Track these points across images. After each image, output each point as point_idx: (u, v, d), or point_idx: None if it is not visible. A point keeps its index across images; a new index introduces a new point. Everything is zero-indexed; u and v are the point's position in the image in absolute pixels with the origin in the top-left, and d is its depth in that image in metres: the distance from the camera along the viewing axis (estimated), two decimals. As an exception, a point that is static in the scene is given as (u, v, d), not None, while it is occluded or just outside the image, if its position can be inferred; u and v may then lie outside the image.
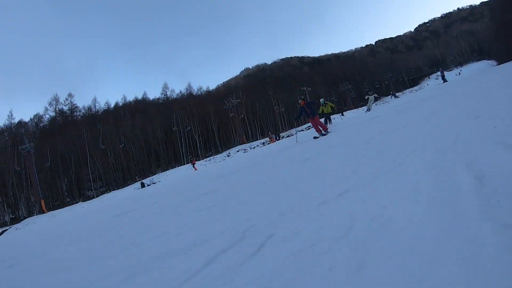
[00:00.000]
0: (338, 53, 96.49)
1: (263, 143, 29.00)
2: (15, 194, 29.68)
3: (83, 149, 32.31)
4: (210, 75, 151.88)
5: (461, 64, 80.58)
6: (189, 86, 59.88)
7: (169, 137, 38.76)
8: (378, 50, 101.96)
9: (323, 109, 12.75)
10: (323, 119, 12.39)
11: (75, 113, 47.36)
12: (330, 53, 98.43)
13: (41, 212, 24.90)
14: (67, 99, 46.64)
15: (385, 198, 1.73)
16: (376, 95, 15.72)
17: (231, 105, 39.85)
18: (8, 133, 37.89)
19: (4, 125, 39.65)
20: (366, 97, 16.06)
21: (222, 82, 70.28)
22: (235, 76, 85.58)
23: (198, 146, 39.30)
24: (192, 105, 40.38)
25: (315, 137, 8.06)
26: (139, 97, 54.13)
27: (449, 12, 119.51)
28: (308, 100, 9.60)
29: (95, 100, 57.64)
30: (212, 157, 30.55)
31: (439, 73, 70.43)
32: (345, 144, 4.86)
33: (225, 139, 42.23)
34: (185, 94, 53.35)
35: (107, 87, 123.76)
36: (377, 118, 7.94)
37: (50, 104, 45.15)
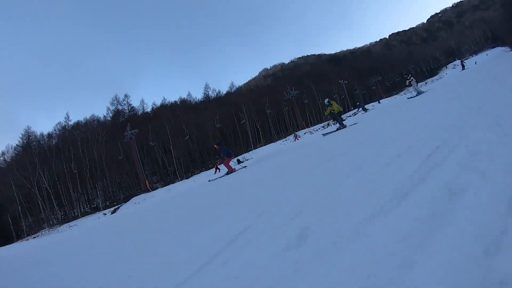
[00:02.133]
0: (353, 49, 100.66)
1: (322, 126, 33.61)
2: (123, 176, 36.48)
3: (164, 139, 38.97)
4: (228, 77, 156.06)
5: (476, 52, 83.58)
6: (232, 85, 66.84)
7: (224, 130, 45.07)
8: (393, 44, 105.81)
9: (330, 110, 11.70)
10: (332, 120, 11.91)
11: (131, 112, 54.08)
12: (345, 49, 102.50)
13: (146, 191, 31.02)
14: (123, 100, 53.61)
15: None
16: (414, 78, 15.00)
17: (291, 96, 45.27)
18: (85, 128, 44.95)
19: (77, 120, 47.19)
20: (407, 83, 15.11)
21: (242, 84, 75.27)
22: (254, 77, 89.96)
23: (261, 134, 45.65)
24: (245, 100, 46.69)
25: (228, 173, 9.77)
26: (176, 98, 60.75)
27: (460, 1, 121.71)
28: (222, 144, 10.37)
29: (142, 101, 64.35)
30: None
31: (455, 62, 74.29)
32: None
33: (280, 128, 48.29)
34: (223, 93, 59.88)
35: (146, 90, 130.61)
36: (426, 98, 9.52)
37: (111, 103, 52.18)
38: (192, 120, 43.69)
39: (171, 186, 31.00)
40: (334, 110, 11.46)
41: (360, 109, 30.16)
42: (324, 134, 11.93)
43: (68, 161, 39.25)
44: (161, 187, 32.67)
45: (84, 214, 35.25)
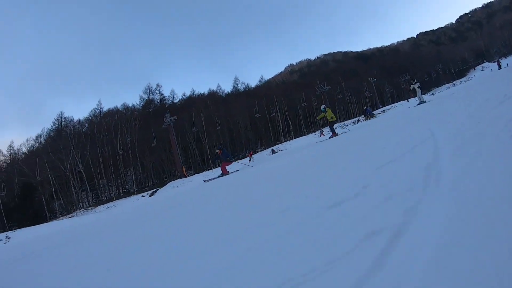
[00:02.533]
0: (380, 47, 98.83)
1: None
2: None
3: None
4: (253, 72, 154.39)
5: (505, 55, 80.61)
6: (262, 78, 67.21)
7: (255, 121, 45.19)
8: (421, 43, 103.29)
9: (323, 115, 11.51)
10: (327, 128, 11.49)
11: (162, 101, 54.88)
12: (372, 47, 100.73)
13: (182, 176, 31.39)
14: (156, 89, 54.39)
15: None
16: (419, 84, 13.63)
17: (322, 91, 44.76)
18: (118, 116, 45.86)
19: (108, 109, 48.22)
20: (411, 87, 13.83)
21: (268, 78, 74.93)
22: (280, 73, 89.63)
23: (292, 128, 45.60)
24: (275, 93, 46.61)
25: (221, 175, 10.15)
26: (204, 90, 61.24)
27: (491, 2, 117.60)
28: (225, 150, 10.65)
29: (173, 91, 65.36)
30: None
31: (484, 64, 72.18)
32: None
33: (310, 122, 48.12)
34: (251, 86, 59.96)
35: (176, 81, 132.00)
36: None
37: (144, 92, 53.13)
38: (222, 111, 43.94)
39: (206, 172, 31.33)
40: (331, 118, 11.35)
41: (365, 115, 28.57)
42: (317, 142, 12.08)
43: (101, 146, 40.16)
44: (196, 173, 33.03)
45: (119, 197, 36.01)
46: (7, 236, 16.94)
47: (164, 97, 54.56)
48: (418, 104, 12.62)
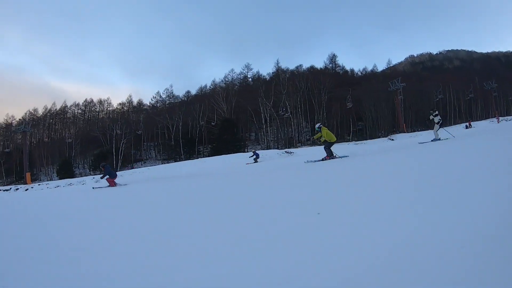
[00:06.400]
0: (505, 52, 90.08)
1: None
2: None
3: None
4: (379, 57, 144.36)
5: None
6: (389, 61, 71.75)
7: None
8: None
9: (319, 135, 9.93)
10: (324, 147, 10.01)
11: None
12: (497, 50, 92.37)
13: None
14: (243, 69, 61.31)
15: None
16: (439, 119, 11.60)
17: (396, 88, 42.32)
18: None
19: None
20: (430, 117, 11.86)
21: (387, 66, 75.97)
22: (400, 63, 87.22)
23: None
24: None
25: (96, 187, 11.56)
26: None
27: None
28: (108, 168, 11.35)
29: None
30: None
31: None
32: None
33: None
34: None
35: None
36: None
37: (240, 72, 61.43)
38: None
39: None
40: (323, 137, 9.76)
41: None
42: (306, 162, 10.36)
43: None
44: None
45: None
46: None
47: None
48: (431, 140, 11.18)
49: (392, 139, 29.57)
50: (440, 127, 11.56)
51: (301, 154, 21.84)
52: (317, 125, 10.34)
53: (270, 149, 35.31)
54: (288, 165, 11.15)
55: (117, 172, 13.11)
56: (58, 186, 21.60)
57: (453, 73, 67.66)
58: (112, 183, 11.03)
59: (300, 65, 57.35)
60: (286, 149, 28.82)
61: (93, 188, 11.75)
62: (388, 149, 11.24)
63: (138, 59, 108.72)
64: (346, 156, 9.67)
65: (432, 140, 11.08)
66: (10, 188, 24.25)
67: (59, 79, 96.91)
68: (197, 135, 47.49)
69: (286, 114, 44.13)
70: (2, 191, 22.82)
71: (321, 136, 9.80)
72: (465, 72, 69.89)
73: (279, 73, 52.53)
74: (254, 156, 20.78)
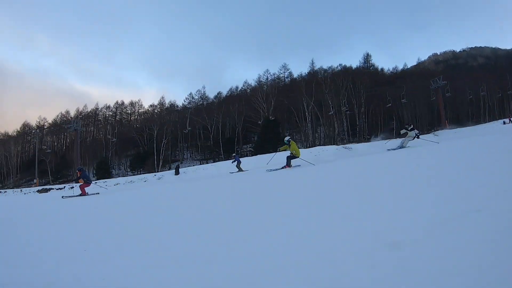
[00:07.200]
0: None
1: None
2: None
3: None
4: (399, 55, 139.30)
5: None
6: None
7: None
8: None
9: (286, 147, 10.76)
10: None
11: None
12: None
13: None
14: (281, 69, 59.48)
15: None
16: (417, 132, 12.19)
17: (437, 86, 43.04)
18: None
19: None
20: (402, 132, 12.27)
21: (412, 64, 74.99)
22: (423, 61, 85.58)
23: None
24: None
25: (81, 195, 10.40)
26: None
27: None
28: (84, 172, 11.16)
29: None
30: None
31: None
32: None
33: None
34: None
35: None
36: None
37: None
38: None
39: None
40: (293, 151, 10.56)
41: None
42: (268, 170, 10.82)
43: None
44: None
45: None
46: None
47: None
48: (396, 148, 11.87)
49: (437, 135, 29.98)
50: (410, 139, 11.99)
51: (358, 149, 22.40)
52: (286, 138, 10.95)
53: (325, 145, 35.22)
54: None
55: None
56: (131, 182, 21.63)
57: (477, 71, 67.03)
58: (83, 191, 10.55)
59: (340, 64, 57.09)
60: (344, 145, 28.90)
61: (62, 197, 10.66)
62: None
63: (164, 63, 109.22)
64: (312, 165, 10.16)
65: (397, 148, 11.93)
66: (64, 187, 23.18)
67: (84, 82, 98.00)
68: (236, 135, 47.77)
69: (330, 113, 44.45)
70: (55, 189, 21.97)
71: (287, 149, 10.74)
72: (491, 69, 69.15)
73: (318, 72, 52.78)
74: (236, 162, 16.94)
